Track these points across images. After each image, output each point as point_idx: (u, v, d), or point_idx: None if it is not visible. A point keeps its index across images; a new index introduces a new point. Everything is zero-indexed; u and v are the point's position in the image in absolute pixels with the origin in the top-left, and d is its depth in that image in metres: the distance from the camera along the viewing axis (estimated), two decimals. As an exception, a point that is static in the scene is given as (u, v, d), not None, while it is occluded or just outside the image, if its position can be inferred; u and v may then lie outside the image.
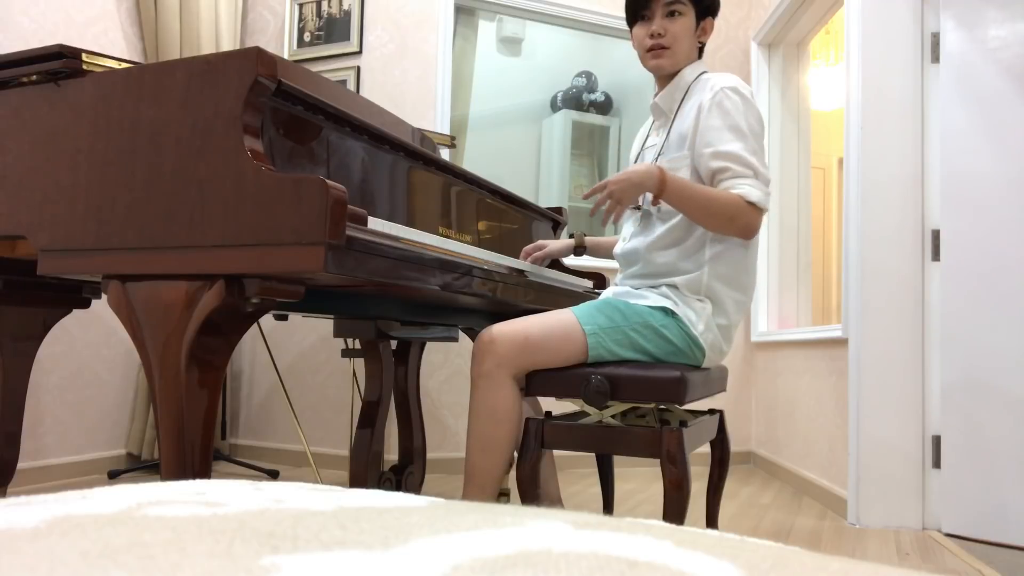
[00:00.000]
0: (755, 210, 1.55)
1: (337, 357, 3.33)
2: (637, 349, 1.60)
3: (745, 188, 1.54)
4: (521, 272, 1.90)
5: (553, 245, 2.07)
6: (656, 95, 1.77)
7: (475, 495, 1.58)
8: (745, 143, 1.58)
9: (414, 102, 3.30)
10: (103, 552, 0.34)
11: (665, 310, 1.60)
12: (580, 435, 1.60)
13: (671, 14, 1.66)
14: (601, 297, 1.74)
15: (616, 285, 1.79)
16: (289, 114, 1.41)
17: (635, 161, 1.87)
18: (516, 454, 1.64)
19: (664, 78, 1.75)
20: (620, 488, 3.06)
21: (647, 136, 1.87)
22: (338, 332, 2.05)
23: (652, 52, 1.68)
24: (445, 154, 3.24)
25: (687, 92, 1.69)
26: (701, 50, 1.78)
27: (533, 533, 0.40)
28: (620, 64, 4.34)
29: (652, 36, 1.67)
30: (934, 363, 2.48)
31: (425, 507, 0.48)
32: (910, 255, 2.54)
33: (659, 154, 1.71)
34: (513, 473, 1.68)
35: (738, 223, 1.55)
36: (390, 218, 1.72)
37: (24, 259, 1.54)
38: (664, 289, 1.64)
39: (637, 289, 1.68)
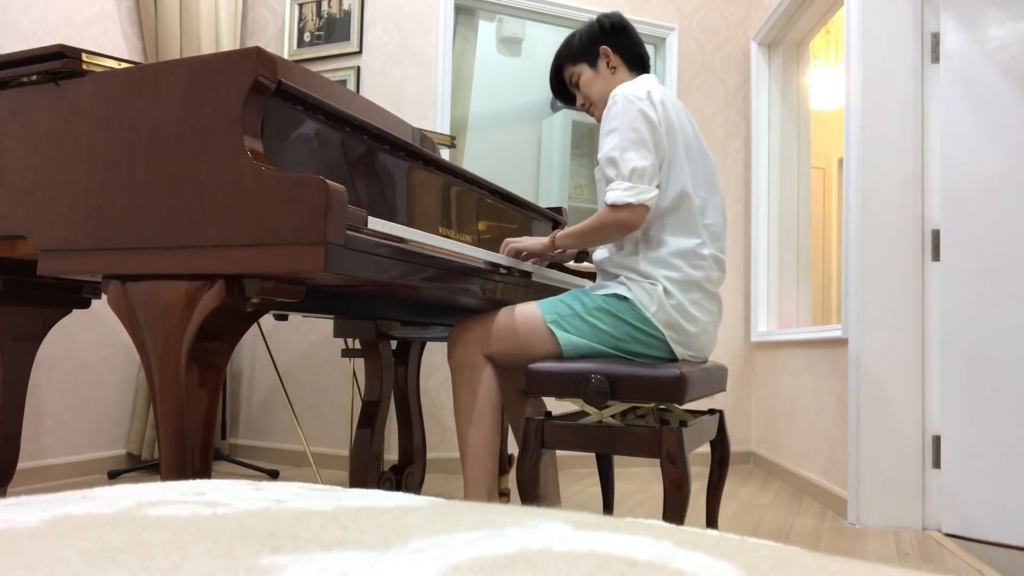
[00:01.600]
0: (616, 210, 1.64)
1: (337, 357, 3.33)
2: (599, 333, 1.67)
3: (608, 195, 1.65)
4: (521, 272, 1.90)
5: None
6: None
7: (473, 468, 1.71)
8: (615, 141, 1.66)
9: (414, 102, 3.30)
10: (103, 552, 0.34)
11: (619, 296, 1.70)
12: (580, 435, 1.60)
13: (576, 84, 1.89)
14: None
15: None
16: (289, 114, 1.41)
17: None
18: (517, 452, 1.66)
19: None
20: (620, 488, 3.06)
21: None
22: (338, 332, 2.05)
23: (589, 114, 1.92)
24: (445, 154, 3.24)
25: None
26: (638, 61, 1.87)
27: (533, 533, 0.40)
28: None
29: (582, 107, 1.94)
30: (934, 363, 2.48)
31: (425, 507, 0.48)
32: (910, 255, 2.54)
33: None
34: (513, 473, 1.69)
35: (611, 228, 1.68)
36: (390, 218, 1.72)
37: (24, 259, 1.54)
38: (622, 278, 1.73)
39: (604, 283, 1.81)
